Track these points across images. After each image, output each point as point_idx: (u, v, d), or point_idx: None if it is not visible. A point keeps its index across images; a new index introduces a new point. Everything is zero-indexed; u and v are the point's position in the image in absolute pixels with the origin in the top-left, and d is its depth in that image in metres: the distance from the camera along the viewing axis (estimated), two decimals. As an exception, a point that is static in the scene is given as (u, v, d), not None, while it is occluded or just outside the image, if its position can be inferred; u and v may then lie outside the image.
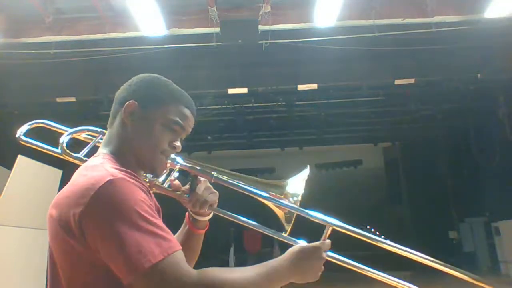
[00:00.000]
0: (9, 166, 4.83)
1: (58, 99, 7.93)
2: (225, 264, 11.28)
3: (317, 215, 1.14)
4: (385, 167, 14.96)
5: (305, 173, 1.22)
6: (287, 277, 1.03)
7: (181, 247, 0.91)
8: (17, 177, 4.71)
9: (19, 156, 4.69)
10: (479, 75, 7.77)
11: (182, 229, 1.27)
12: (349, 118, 10.16)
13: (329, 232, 1.11)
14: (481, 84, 8.12)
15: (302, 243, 1.10)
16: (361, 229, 1.18)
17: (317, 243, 1.08)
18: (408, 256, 1.18)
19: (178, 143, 1.12)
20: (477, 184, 10.78)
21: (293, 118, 9.85)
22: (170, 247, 0.88)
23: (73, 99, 7.97)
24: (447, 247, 11.13)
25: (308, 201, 1.23)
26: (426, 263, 1.17)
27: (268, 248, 12.76)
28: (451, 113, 10.33)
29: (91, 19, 6.46)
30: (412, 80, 7.93)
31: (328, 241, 1.10)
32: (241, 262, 12.69)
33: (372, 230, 15.43)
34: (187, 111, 1.12)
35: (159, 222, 0.92)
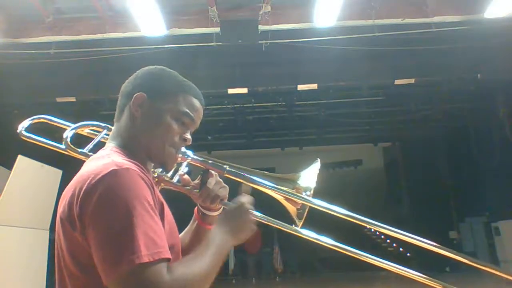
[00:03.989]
0: (9, 166, 4.83)
1: (58, 99, 7.93)
2: (225, 264, 11.28)
3: (335, 209, 1.14)
4: (385, 167, 14.97)
5: (316, 166, 1.22)
6: (230, 242, 1.04)
7: (170, 256, 0.87)
8: (17, 177, 4.71)
9: (19, 156, 4.69)
10: (479, 75, 7.78)
11: (191, 225, 1.25)
12: (349, 118, 10.16)
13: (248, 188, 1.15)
14: (481, 84, 8.12)
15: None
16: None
17: (238, 199, 1.11)
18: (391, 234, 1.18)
19: (188, 136, 1.10)
20: (477, 184, 10.79)
21: (293, 118, 9.86)
22: (158, 253, 0.83)
23: (73, 99, 7.97)
24: (447, 247, 11.11)
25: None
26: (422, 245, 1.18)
27: (268, 248, 12.77)
28: (451, 113, 10.33)
29: (91, 19, 6.47)
30: (412, 80, 7.93)
31: (247, 195, 1.13)
32: (241, 262, 12.70)
33: (372, 230, 15.44)
34: (196, 102, 1.11)
35: (155, 223, 0.87)
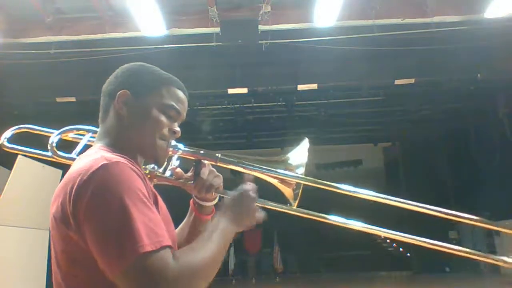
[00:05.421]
0: (9, 166, 4.84)
1: (58, 99, 7.92)
2: (225, 264, 11.29)
3: (334, 184, 1.15)
4: (385, 167, 14.96)
5: (305, 144, 1.22)
6: (233, 229, 1.04)
7: (171, 243, 0.87)
8: (17, 177, 4.71)
9: (19, 156, 4.69)
10: (479, 75, 7.77)
11: (188, 217, 1.25)
12: (349, 118, 10.16)
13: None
14: (481, 84, 8.12)
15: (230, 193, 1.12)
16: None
17: (242, 187, 1.10)
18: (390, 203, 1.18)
19: (177, 128, 1.10)
20: (477, 184, 10.78)
21: (293, 118, 9.85)
22: (160, 241, 0.84)
23: (73, 99, 7.97)
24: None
25: (308, 201, 1.22)
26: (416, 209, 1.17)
27: (268, 248, 12.78)
28: (451, 113, 10.34)
29: (91, 19, 6.47)
30: (412, 80, 7.93)
31: (251, 183, 1.12)
32: (241, 262, 12.71)
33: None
34: (180, 93, 1.11)
35: (152, 213, 0.88)
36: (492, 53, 7.34)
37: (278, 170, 1.17)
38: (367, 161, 14.68)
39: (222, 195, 1.18)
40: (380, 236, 14.69)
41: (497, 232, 9.94)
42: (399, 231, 1.19)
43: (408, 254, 12.36)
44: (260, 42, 6.65)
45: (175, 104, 1.08)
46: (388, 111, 10.00)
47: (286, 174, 1.17)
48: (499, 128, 9.34)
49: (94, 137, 1.18)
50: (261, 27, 6.37)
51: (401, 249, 13.53)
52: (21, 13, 6.31)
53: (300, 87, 7.99)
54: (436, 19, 6.42)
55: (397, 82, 7.93)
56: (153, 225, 0.85)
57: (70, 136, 1.32)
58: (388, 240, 14.58)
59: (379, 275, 11.70)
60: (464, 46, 7.03)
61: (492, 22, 6.42)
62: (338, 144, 12.71)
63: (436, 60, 7.56)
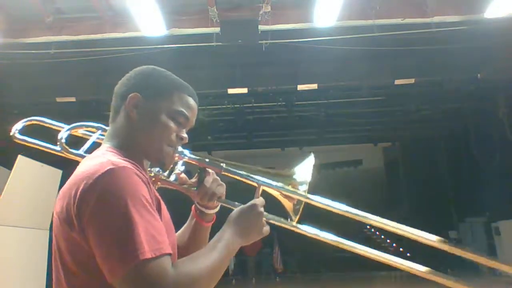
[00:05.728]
0: (9, 166, 4.84)
1: (58, 99, 7.93)
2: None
3: (332, 204, 1.15)
4: (385, 167, 14.98)
5: (311, 160, 1.21)
6: (238, 241, 1.04)
7: (171, 251, 0.88)
8: (17, 177, 4.71)
9: (19, 156, 4.70)
10: (479, 75, 7.78)
11: (189, 222, 1.25)
12: (349, 118, 10.17)
13: (260, 191, 1.14)
14: (481, 84, 8.13)
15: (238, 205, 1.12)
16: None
17: (251, 201, 1.10)
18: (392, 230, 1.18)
19: (185, 134, 1.11)
20: (477, 184, 10.79)
21: (293, 118, 9.86)
22: (160, 248, 0.85)
23: (73, 99, 7.98)
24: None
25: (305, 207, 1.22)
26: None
27: (268, 248, 12.77)
28: (451, 113, 10.35)
29: (91, 19, 6.46)
30: (412, 80, 7.94)
31: (261, 198, 1.12)
32: (241, 262, 12.71)
33: (372, 230, 15.47)
34: (190, 100, 1.11)
35: (154, 219, 0.89)
36: (492, 53, 7.35)
37: (282, 186, 1.17)
38: (367, 161, 14.71)
39: (224, 204, 1.19)
40: (380, 236, 14.70)
41: (497, 232, 9.94)
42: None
43: (408, 254, 12.36)
44: (260, 42, 6.64)
45: (185, 111, 1.09)
46: (388, 111, 10.01)
47: (289, 191, 1.16)
48: (499, 128, 9.34)
49: (103, 135, 1.17)
50: (261, 27, 6.37)
51: (401, 249, 13.53)
52: (21, 13, 6.31)
53: (300, 87, 7.99)
54: (436, 19, 6.42)
55: (397, 82, 7.94)
56: (154, 232, 0.86)
57: (79, 132, 1.32)
58: (388, 240, 14.58)
59: (379, 275, 11.70)
60: (464, 46, 7.04)
61: (492, 22, 6.41)
62: (338, 144, 12.73)
63: (436, 60, 7.57)
